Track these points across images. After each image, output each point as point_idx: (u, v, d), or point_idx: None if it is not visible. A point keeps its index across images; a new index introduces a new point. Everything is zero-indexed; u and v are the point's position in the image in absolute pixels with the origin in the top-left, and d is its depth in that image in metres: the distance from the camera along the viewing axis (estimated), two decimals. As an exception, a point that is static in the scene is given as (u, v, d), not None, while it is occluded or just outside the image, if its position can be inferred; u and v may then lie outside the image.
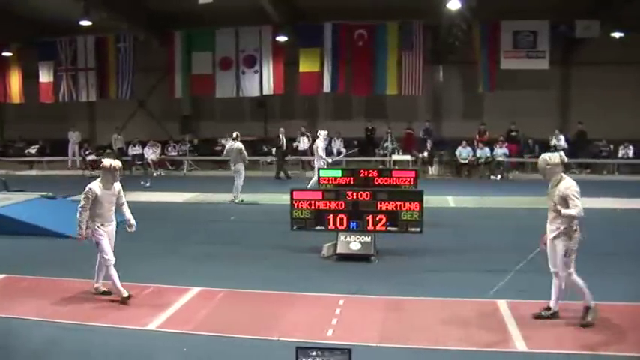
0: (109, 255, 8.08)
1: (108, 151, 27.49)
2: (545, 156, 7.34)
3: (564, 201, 7.04)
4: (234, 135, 17.65)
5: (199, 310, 7.75)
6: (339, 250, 10.38)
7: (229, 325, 7.22)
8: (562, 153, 7.52)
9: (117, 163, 8.21)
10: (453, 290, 8.43)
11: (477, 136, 25.06)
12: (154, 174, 24.98)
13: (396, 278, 9.20)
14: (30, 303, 8.05)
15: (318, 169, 15.73)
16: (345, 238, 10.45)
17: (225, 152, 18.19)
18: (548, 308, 7.43)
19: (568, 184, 7.10)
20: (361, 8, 23.70)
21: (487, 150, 24.28)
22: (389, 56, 24.70)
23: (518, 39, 23.85)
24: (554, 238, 7.26)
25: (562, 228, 7.14)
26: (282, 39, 24.97)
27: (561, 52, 25.30)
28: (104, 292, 8.29)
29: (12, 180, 19.42)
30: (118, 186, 8.26)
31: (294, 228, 10.65)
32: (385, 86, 24.86)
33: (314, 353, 4.83)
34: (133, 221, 8.42)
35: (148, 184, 20.71)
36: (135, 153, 26.66)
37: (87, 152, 26.07)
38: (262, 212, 15.72)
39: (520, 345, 6.62)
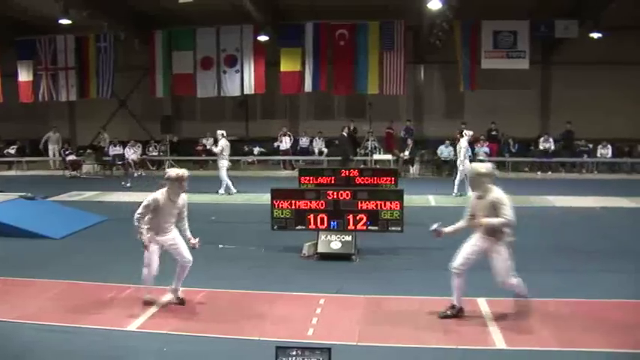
0: (149, 269, 7.70)
1: (88, 151, 27.41)
2: (476, 166, 7.49)
3: (494, 209, 7.10)
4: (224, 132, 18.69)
5: (180, 311, 7.73)
6: (320, 249, 10.39)
7: (210, 325, 7.21)
8: (492, 164, 7.66)
9: (184, 172, 7.78)
10: (433, 289, 8.45)
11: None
12: (135, 174, 24.84)
13: (376, 277, 9.23)
14: (9, 305, 7.97)
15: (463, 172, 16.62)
16: (326, 237, 10.46)
17: (222, 149, 18.49)
18: (453, 307, 7.47)
19: (497, 194, 7.18)
20: (342, 8, 23.75)
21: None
22: (370, 56, 24.76)
23: (499, 39, 24.04)
24: (491, 246, 7.27)
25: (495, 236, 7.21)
26: (263, 38, 24.94)
27: (541, 52, 25.55)
28: (181, 301, 7.93)
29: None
30: (184, 198, 7.89)
31: (275, 228, 10.63)
32: (366, 86, 24.92)
33: (294, 353, 4.86)
34: (193, 240, 7.90)
35: (128, 184, 20.62)
36: (115, 153, 26.52)
37: (67, 152, 25.88)
38: (243, 212, 15.69)
39: (499, 342, 6.66)
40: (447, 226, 7.64)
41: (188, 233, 7.97)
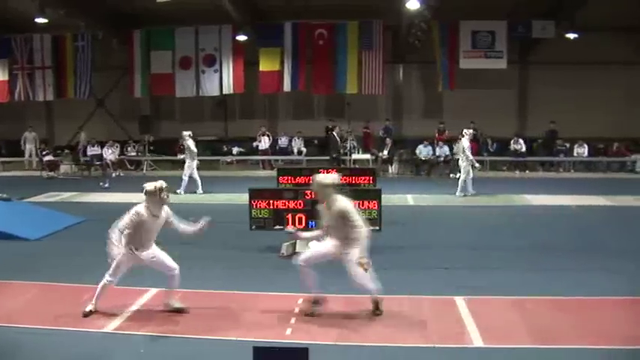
0: (113, 277, 7.46)
1: (66, 151, 27.17)
2: (320, 177, 7.66)
3: (342, 219, 7.26)
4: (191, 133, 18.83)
5: (157, 312, 7.69)
6: (298, 249, 10.36)
7: (187, 325, 7.19)
8: (337, 175, 7.84)
9: (161, 184, 7.46)
10: (411, 287, 8.49)
11: (437, 135, 25.30)
12: (113, 174, 24.66)
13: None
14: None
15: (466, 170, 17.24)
16: (304, 237, 10.46)
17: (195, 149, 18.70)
18: (317, 301, 7.67)
19: (342, 204, 7.33)
20: (321, 8, 23.77)
21: (446, 148, 24.52)
22: (349, 55, 24.81)
23: (477, 39, 24.19)
24: (342, 252, 7.44)
25: (347, 248, 7.36)
26: (242, 38, 24.92)
27: (519, 52, 25.76)
28: (177, 309, 7.66)
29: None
30: (167, 210, 7.60)
31: (253, 227, 10.63)
32: (345, 85, 24.97)
33: (271, 353, 4.84)
34: (201, 223, 7.78)
35: (106, 185, 20.44)
36: (93, 153, 26.31)
37: (44, 152, 25.63)
38: (221, 212, 15.59)
39: (477, 341, 6.69)
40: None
41: (192, 227, 7.79)
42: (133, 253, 7.42)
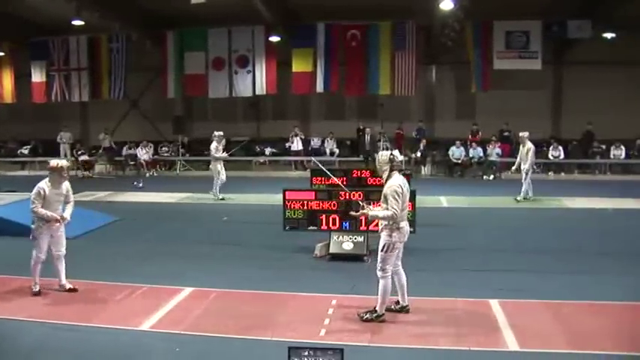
0: (42, 254, 8.36)
1: (100, 152, 27.52)
2: (379, 153, 7.73)
3: (386, 198, 7.27)
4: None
5: (192, 311, 7.73)
6: (332, 250, 10.37)
7: (222, 325, 7.20)
8: (394, 152, 7.69)
9: (63, 163, 8.54)
10: (445, 289, 8.44)
11: (470, 136, 25.12)
12: (147, 174, 24.93)
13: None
14: (21, 303, 8.04)
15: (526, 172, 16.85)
16: (338, 238, 10.44)
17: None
18: (397, 302, 7.62)
19: (390, 184, 7.29)
20: (354, 8, 23.65)
21: (480, 150, 24.36)
22: (382, 56, 24.72)
23: (511, 39, 23.91)
24: (381, 230, 7.43)
25: (385, 222, 7.31)
26: (274, 39, 25.02)
27: (554, 53, 25.39)
28: (70, 290, 8.52)
29: (4, 180, 19.46)
30: (66, 185, 8.50)
31: (287, 228, 10.63)
32: (378, 86, 24.88)
33: (306, 353, 4.83)
34: (67, 216, 8.46)
35: (140, 185, 20.66)
36: (128, 153, 26.63)
37: (79, 152, 26.00)
38: (254, 212, 15.70)
39: (512, 344, 6.61)
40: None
41: (67, 212, 8.53)
42: (44, 226, 8.31)
